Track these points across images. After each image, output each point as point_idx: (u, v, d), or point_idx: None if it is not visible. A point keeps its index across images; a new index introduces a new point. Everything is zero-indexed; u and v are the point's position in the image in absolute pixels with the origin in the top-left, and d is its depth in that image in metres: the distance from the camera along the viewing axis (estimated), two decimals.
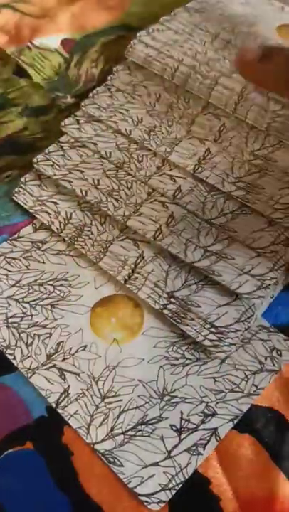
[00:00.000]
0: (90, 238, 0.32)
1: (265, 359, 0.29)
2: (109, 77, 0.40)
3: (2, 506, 0.25)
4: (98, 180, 0.33)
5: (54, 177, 0.34)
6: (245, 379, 0.28)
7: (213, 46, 0.40)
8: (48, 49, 0.44)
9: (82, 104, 0.38)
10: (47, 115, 0.40)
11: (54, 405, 0.27)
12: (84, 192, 0.33)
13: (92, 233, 0.32)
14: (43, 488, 0.25)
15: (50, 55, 0.43)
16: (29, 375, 0.28)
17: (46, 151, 0.35)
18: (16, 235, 0.33)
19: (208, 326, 0.29)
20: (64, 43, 0.45)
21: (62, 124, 0.36)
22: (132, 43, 0.40)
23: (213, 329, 0.29)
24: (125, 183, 0.34)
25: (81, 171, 0.34)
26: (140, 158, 0.35)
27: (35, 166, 0.34)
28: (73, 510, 0.25)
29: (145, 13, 0.47)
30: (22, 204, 0.34)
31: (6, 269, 0.32)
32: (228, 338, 0.28)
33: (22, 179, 0.34)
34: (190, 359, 0.29)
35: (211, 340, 0.28)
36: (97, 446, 0.26)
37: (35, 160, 0.34)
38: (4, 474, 0.26)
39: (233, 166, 0.34)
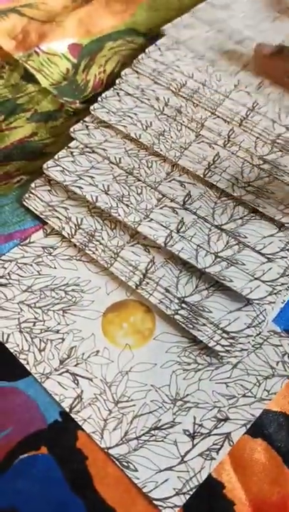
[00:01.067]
0: (100, 244, 0.32)
1: (277, 364, 0.29)
2: (117, 81, 0.40)
3: (17, 510, 0.25)
4: (108, 186, 0.34)
5: (64, 183, 0.34)
6: (257, 384, 0.28)
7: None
8: (56, 54, 0.44)
9: (92, 108, 0.38)
10: (56, 120, 0.40)
11: (68, 410, 0.27)
12: (94, 198, 0.33)
13: (102, 238, 0.32)
14: (59, 492, 0.25)
15: (57, 60, 0.44)
16: (42, 380, 0.28)
17: (56, 157, 0.35)
18: (27, 241, 0.33)
19: (219, 331, 0.29)
20: (71, 47, 0.45)
21: (72, 130, 0.37)
22: (140, 57, 0.41)
23: (224, 334, 0.29)
24: (135, 188, 0.34)
25: (91, 177, 0.34)
26: (150, 164, 0.35)
27: (45, 171, 0.34)
28: None
29: (151, 18, 0.47)
30: (33, 209, 0.34)
31: (17, 274, 0.32)
32: (239, 343, 0.29)
33: (32, 185, 0.35)
34: (202, 364, 0.29)
35: (222, 346, 0.29)
36: (111, 451, 0.26)
37: (45, 166, 0.35)
38: (19, 478, 0.26)
39: (243, 170, 0.35)
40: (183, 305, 0.30)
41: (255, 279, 0.30)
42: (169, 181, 0.34)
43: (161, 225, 0.32)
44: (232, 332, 0.29)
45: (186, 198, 0.33)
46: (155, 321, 0.31)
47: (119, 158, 0.35)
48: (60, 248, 0.33)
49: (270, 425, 0.27)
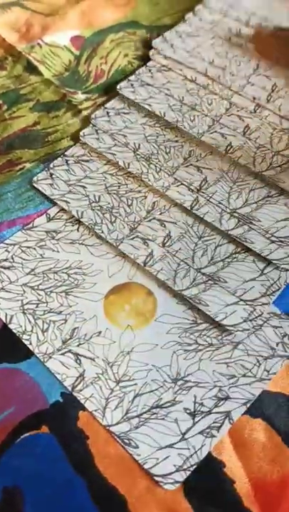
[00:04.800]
0: (118, 219, 0.33)
1: (277, 345, 0.29)
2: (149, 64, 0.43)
3: (20, 488, 0.25)
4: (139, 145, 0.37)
5: (103, 147, 0.37)
6: (257, 364, 0.29)
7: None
8: (58, 46, 0.45)
9: (118, 87, 0.40)
10: (58, 110, 0.40)
11: (70, 389, 0.28)
12: (127, 164, 0.35)
13: (120, 215, 0.34)
14: (60, 471, 0.26)
15: (60, 52, 0.44)
16: (45, 359, 0.29)
17: (93, 121, 0.38)
18: (31, 225, 0.34)
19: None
20: (73, 40, 0.45)
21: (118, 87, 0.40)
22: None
23: (241, 302, 0.30)
24: (164, 148, 0.37)
25: (124, 136, 0.37)
26: (192, 118, 0.38)
27: (91, 125, 0.38)
28: (90, 492, 0.25)
29: (152, 11, 0.48)
30: (43, 190, 0.35)
31: (20, 257, 0.32)
32: (255, 310, 0.30)
33: (51, 165, 0.36)
34: (202, 345, 0.29)
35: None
36: (112, 429, 0.27)
37: (93, 115, 0.38)
38: (22, 457, 0.26)
39: (272, 140, 0.37)
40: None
41: (273, 242, 0.32)
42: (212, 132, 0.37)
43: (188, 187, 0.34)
44: (248, 300, 0.29)
45: (228, 148, 0.36)
46: (156, 304, 0.31)
47: (163, 113, 0.38)
48: (63, 232, 0.33)
49: (269, 406, 0.28)
